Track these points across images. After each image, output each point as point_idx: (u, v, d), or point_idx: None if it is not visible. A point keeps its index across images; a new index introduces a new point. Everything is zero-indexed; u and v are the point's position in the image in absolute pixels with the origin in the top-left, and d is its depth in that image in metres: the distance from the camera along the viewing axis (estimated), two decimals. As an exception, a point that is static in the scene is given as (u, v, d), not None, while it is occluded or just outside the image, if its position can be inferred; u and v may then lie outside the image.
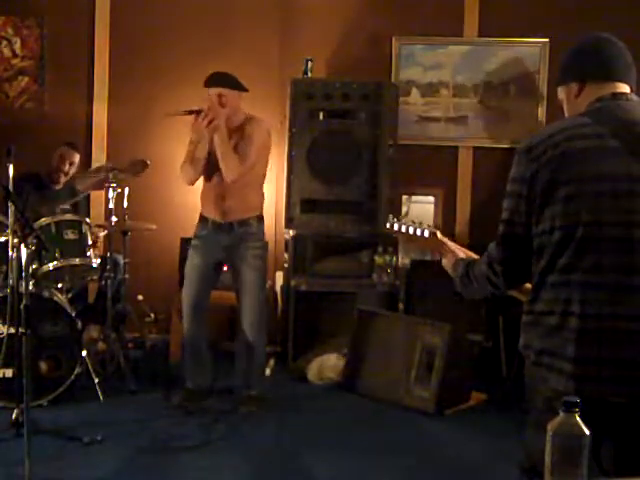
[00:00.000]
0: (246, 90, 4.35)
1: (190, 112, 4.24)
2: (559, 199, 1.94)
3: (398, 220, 2.40)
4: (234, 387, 4.51)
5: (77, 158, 5.29)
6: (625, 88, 2.07)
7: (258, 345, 4.39)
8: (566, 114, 2.15)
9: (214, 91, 4.25)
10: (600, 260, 1.92)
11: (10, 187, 3.83)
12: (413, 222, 2.38)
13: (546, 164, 1.96)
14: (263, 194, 4.46)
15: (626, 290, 1.91)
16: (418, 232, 2.37)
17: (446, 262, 2.33)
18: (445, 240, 2.37)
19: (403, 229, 2.38)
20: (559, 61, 2.17)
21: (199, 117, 4.19)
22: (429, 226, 2.39)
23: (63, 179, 5.26)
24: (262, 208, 4.46)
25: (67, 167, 5.23)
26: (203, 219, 4.41)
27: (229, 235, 4.33)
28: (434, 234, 2.37)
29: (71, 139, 5.41)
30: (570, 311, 1.93)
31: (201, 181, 4.44)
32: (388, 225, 2.41)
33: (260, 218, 4.42)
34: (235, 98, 4.30)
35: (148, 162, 4.90)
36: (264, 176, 4.46)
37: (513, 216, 2.02)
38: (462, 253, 2.31)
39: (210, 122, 4.17)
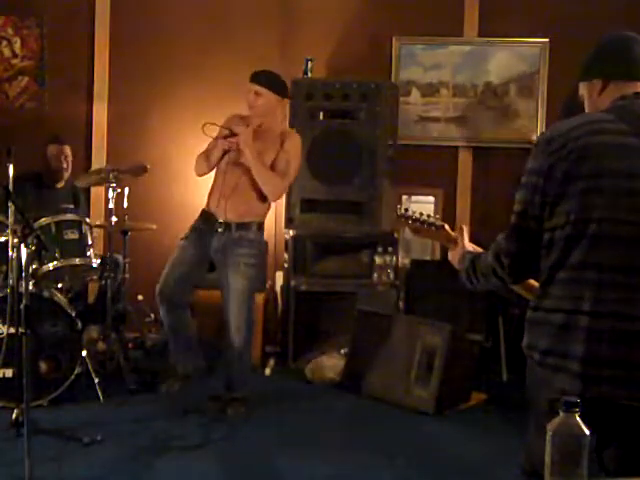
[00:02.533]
0: (288, 97, 4.32)
1: (227, 135, 4.17)
2: (576, 193, 1.92)
3: (406, 211, 2.41)
4: (219, 390, 4.45)
5: (68, 149, 5.26)
6: None
7: (245, 351, 4.31)
8: (587, 111, 2.14)
9: (252, 87, 4.18)
10: (611, 258, 1.89)
11: (10, 187, 3.83)
12: (421, 214, 2.40)
13: (566, 157, 1.94)
14: (270, 204, 4.34)
15: (637, 290, 1.89)
16: (427, 223, 2.39)
17: (452, 255, 2.32)
18: (454, 234, 2.37)
19: (413, 218, 2.39)
20: (583, 57, 2.15)
21: (227, 138, 4.17)
22: (437, 218, 2.41)
23: (65, 175, 5.26)
24: (265, 216, 4.36)
25: (64, 163, 5.23)
26: (204, 213, 4.32)
27: (225, 235, 4.21)
28: (442, 227, 2.38)
29: (71, 139, 5.41)
30: (580, 309, 1.90)
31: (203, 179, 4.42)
32: (398, 214, 2.41)
33: (260, 225, 4.30)
34: (272, 101, 4.20)
35: (148, 166, 4.90)
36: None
37: (527, 208, 1.99)
38: (471, 248, 2.30)
39: (233, 144, 4.15)
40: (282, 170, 4.20)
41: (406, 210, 2.42)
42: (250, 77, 4.22)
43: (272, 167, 4.20)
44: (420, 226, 2.40)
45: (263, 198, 4.26)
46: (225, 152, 4.23)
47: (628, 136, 1.95)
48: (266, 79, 4.20)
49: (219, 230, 4.23)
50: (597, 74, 2.10)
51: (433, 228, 2.39)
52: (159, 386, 4.47)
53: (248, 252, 4.23)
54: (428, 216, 2.41)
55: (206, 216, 4.30)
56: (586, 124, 1.99)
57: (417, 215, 2.40)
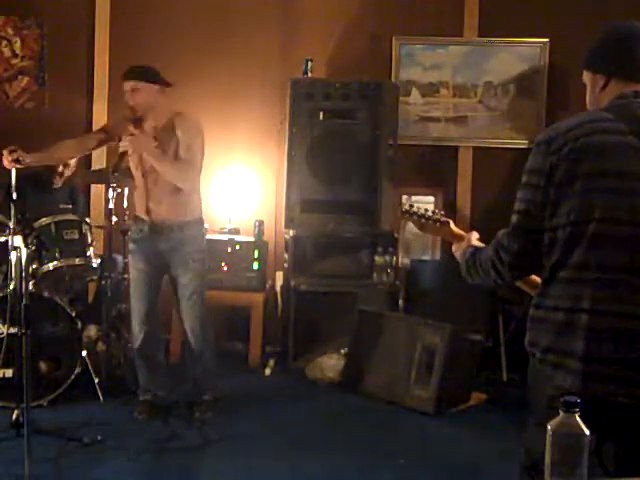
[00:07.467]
0: (168, 85, 4.13)
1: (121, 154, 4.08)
2: (575, 193, 1.93)
3: (411, 207, 2.43)
4: (189, 392, 4.44)
5: (72, 160, 5.24)
6: None
7: (203, 350, 4.28)
8: (587, 103, 2.14)
9: (127, 85, 4.04)
10: (611, 258, 1.90)
11: (11, 188, 3.83)
12: (426, 210, 2.43)
13: (565, 157, 1.95)
14: (200, 195, 4.28)
15: (636, 289, 1.89)
16: (432, 219, 2.41)
17: (456, 247, 2.33)
18: (458, 230, 2.39)
19: (418, 214, 2.41)
20: (591, 44, 2.15)
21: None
22: (442, 215, 2.43)
23: (57, 180, 5.23)
24: (201, 211, 4.29)
25: (61, 168, 5.19)
26: (139, 220, 4.23)
27: (167, 239, 4.16)
28: (447, 223, 2.40)
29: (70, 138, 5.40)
30: (580, 308, 1.91)
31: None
32: (402, 210, 2.43)
33: (200, 221, 4.27)
34: (152, 92, 4.07)
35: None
36: (199, 176, 4.25)
37: (529, 207, 2.00)
38: (477, 244, 2.31)
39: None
40: (186, 157, 4.07)
41: (411, 206, 2.44)
42: (123, 75, 4.09)
43: (177, 156, 4.08)
44: (425, 222, 2.42)
45: (195, 193, 4.23)
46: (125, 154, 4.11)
47: (627, 135, 1.96)
48: (139, 73, 4.06)
49: (160, 235, 4.17)
50: (601, 70, 2.10)
51: (438, 224, 2.42)
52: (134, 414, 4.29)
53: (194, 249, 4.20)
54: (433, 212, 2.44)
55: (142, 222, 4.21)
56: (585, 123, 1.99)
57: (422, 211, 2.42)
